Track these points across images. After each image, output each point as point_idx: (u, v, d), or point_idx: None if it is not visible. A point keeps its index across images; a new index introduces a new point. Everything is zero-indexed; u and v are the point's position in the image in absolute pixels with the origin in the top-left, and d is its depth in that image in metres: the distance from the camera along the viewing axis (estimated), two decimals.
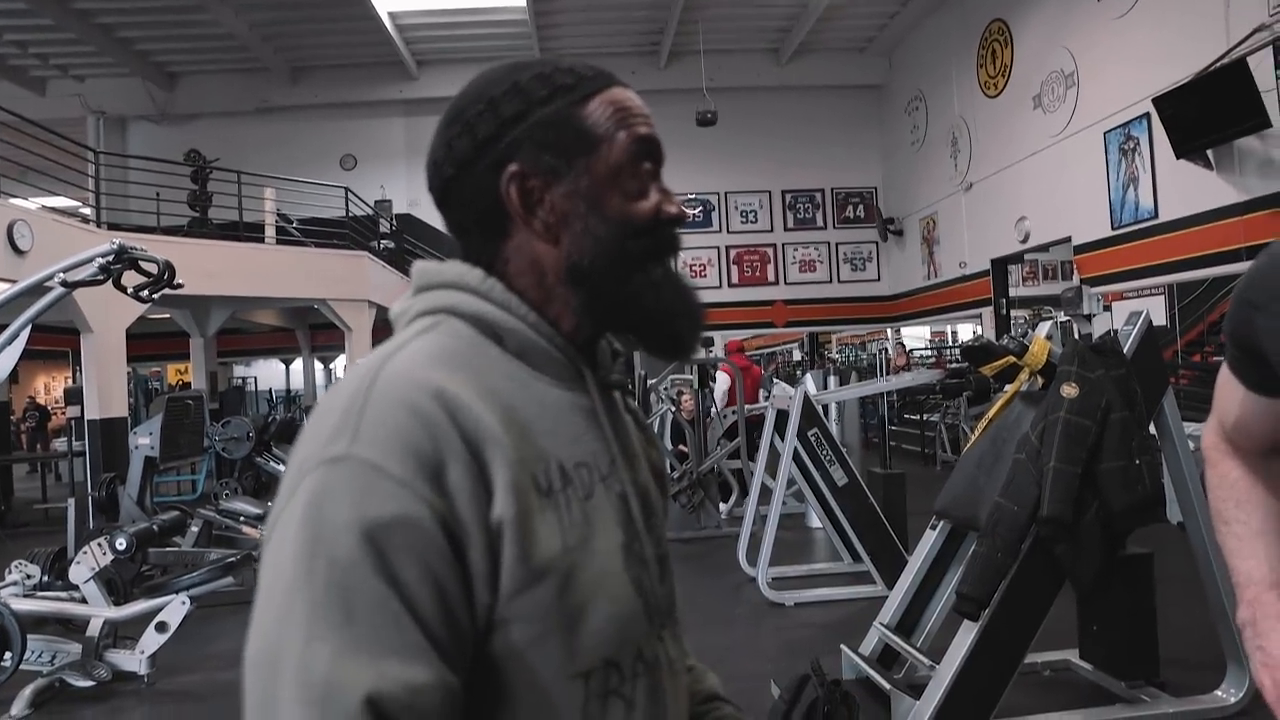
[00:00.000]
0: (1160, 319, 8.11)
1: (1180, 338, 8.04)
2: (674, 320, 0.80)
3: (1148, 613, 3.64)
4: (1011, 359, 3.40)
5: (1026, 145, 10.05)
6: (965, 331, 13.94)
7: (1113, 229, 8.45)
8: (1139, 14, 7.95)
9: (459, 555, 0.64)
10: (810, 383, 6.00)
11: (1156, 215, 7.83)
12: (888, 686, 3.40)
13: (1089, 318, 8.79)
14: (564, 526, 0.70)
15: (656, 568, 0.80)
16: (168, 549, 5.69)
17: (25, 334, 4.68)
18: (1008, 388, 3.53)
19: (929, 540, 3.72)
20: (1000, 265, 11.17)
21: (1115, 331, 3.40)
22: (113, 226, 9.58)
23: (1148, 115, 7.66)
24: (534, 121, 0.77)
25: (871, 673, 3.61)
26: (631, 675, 0.73)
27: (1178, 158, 7.13)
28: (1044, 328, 3.58)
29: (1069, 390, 3.01)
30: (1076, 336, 3.73)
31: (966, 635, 3.01)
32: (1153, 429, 3.33)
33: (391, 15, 11.96)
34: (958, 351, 13.20)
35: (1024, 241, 10.25)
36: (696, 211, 14.43)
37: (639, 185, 0.78)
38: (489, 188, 0.77)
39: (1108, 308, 8.69)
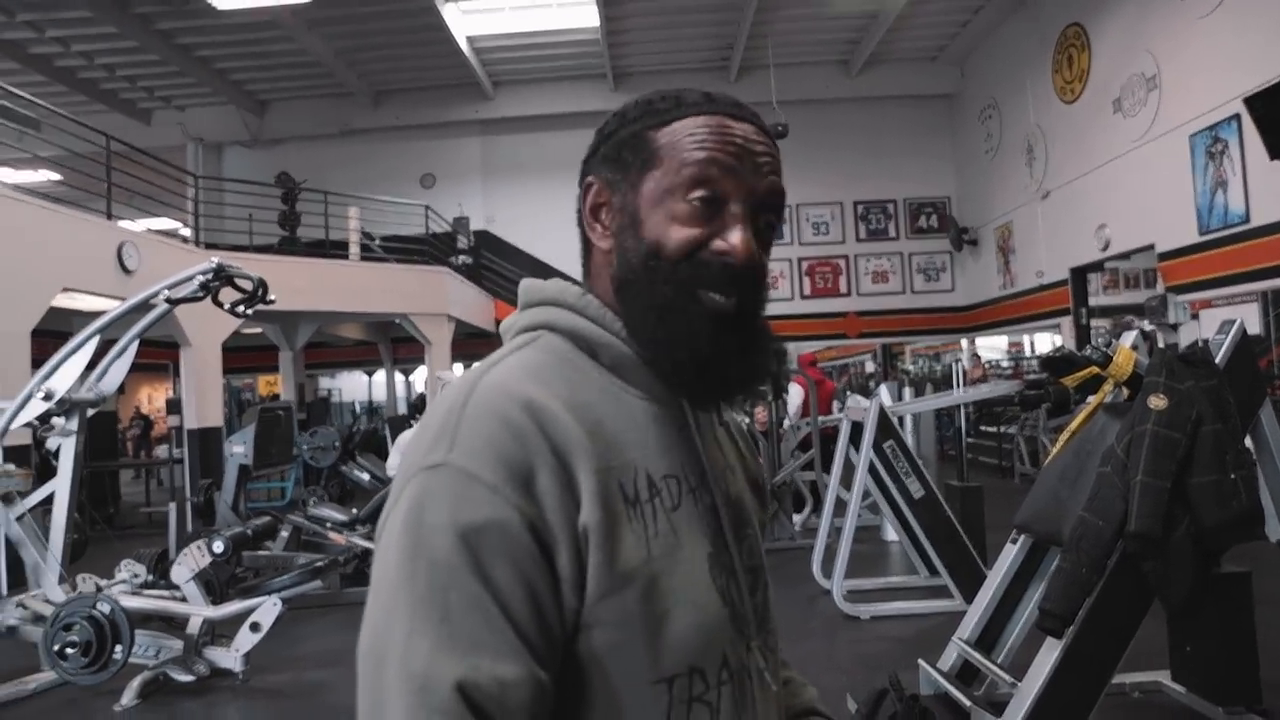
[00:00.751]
0: (1254, 327, 7.83)
1: (1276, 346, 7.73)
2: (674, 354, 0.75)
3: (1245, 634, 3.43)
4: (1095, 370, 3.28)
5: (1106, 151, 9.82)
6: (1042, 342, 13.58)
7: (1200, 234, 8.20)
8: (1224, 12, 7.73)
9: (547, 558, 0.67)
10: (885, 394, 5.95)
11: (1248, 219, 7.57)
12: (968, 703, 3.31)
13: (1175, 326, 8.54)
14: (649, 535, 0.71)
15: (747, 578, 0.80)
16: (260, 553, 5.94)
17: (134, 348, 4.93)
18: (1090, 399, 3.41)
19: (1009, 554, 3.60)
20: (1079, 274, 10.90)
21: (1206, 341, 3.25)
22: (210, 246, 10.09)
23: (1237, 116, 7.43)
24: (614, 139, 0.80)
25: (951, 689, 3.51)
26: (717, 683, 0.73)
27: (1272, 159, 6.89)
28: (1129, 337, 3.44)
29: (1157, 402, 2.90)
30: (1162, 346, 3.61)
31: (1050, 653, 2.92)
32: (1249, 442, 3.18)
33: (469, 39, 12.32)
34: (1035, 362, 12.91)
35: (1104, 249, 10.00)
36: None
37: (686, 211, 0.75)
38: (580, 200, 0.82)
39: (1195, 316, 8.42)
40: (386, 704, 0.63)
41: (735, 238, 0.75)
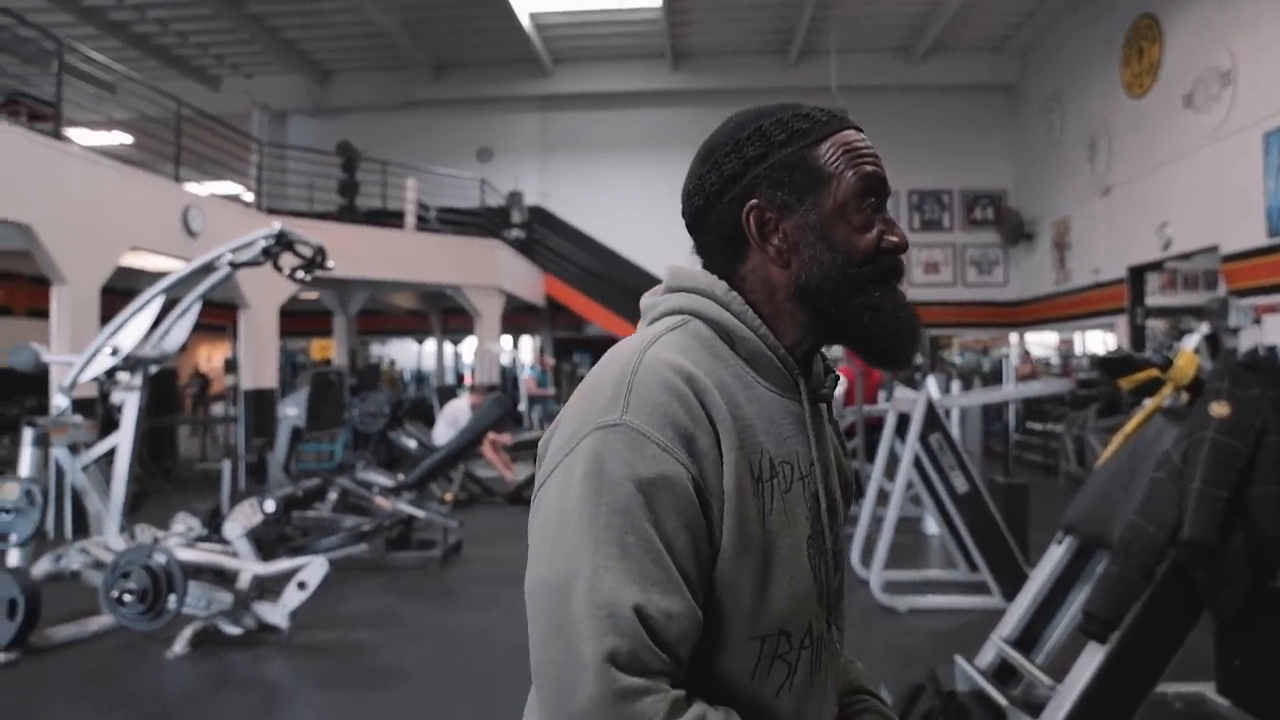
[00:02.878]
0: None
1: None
2: (884, 339, 0.89)
3: None
4: (1155, 372, 3.20)
5: (1173, 147, 9.55)
6: (1094, 340, 13.30)
7: (1269, 237, 7.96)
8: None
9: (705, 510, 0.79)
10: (933, 386, 5.88)
11: None
12: (1004, 703, 3.25)
13: (1235, 331, 8.31)
14: (766, 511, 0.82)
15: (833, 560, 0.90)
16: (308, 513, 6.07)
17: (197, 308, 5.05)
18: (1147, 402, 3.32)
19: (1054, 554, 3.52)
20: (1138, 273, 10.64)
21: (1273, 348, 3.10)
22: (271, 211, 10.30)
23: None
24: (772, 162, 0.88)
25: (988, 687, 3.43)
26: (799, 646, 0.85)
27: None
28: (1191, 340, 3.35)
29: (1220, 409, 2.82)
30: (1221, 350, 3.52)
31: (1092, 657, 2.86)
32: None
33: (531, 15, 12.34)
34: (1085, 361, 12.66)
35: (1165, 249, 9.74)
36: None
37: (863, 219, 0.88)
38: (732, 217, 0.89)
39: (1257, 321, 8.19)
40: (575, 626, 0.74)
41: (899, 232, 0.90)
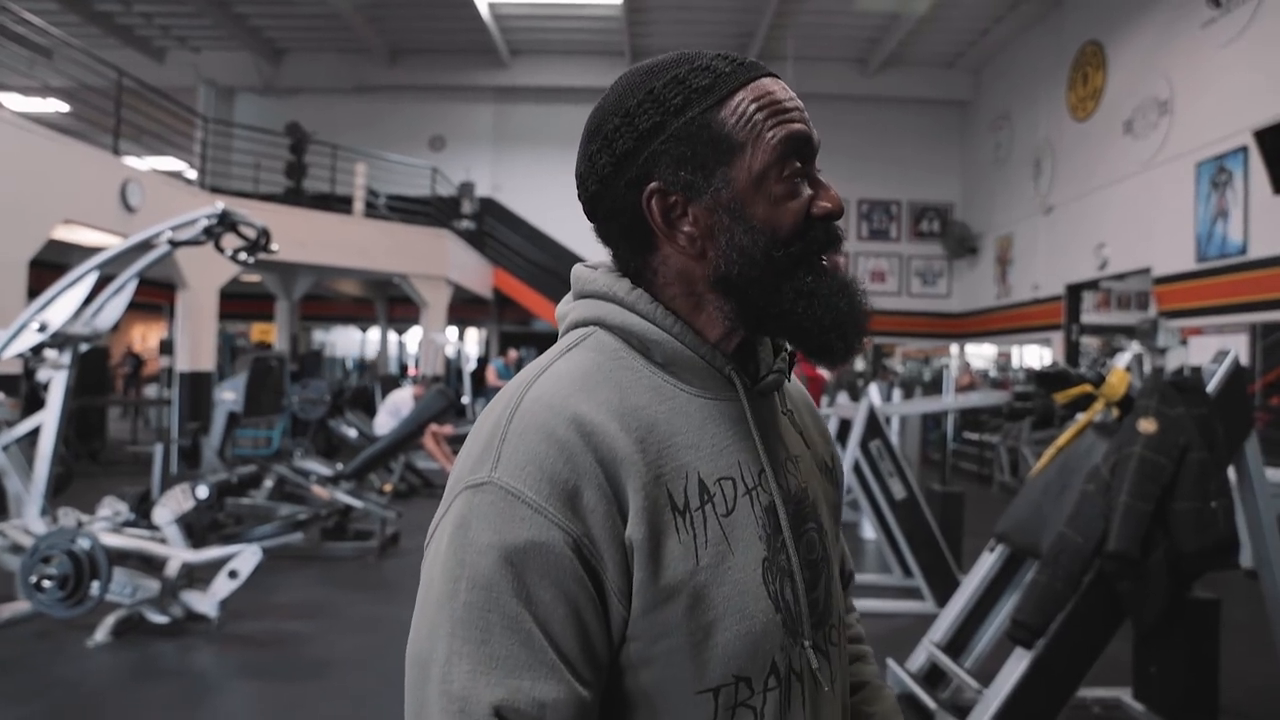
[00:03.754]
0: (1242, 358, 7.89)
1: (1261, 377, 7.81)
2: (822, 332, 0.75)
3: (1209, 660, 3.48)
4: (1088, 388, 3.29)
5: (1112, 171, 9.86)
6: (1031, 355, 13.69)
7: (1196, 262, 8.26)
8: (1244, 43, 7.75)
9: (593, 575, 0.67)
10: (875, 394, 5.98)
11: (1245, 251, 7.63)
12: (933, 705, 3.35)
13: (1162, 351, 8.61)
14: (697, 545, 0.70)
15: (806, 575, 0.77)
16: (243, 501, 5.95)
17: (133, 286, 4.88)
18: (1080, 416, 3.42)
19: (986, 562, 3.63)
20: (1075, 291, 10.97)
21: (1197, 368, 3.26)
22: (214, 190, 10.04)
23: (1245, 148, 7.47)
24: (670, 134, 0.74)
25: (917, 690, 3.54)
26: (763, 689, 0.72)
27: (1276, 193, 6.95)
28: (1123, 359, 3.45)
29: (1147, 426, 2.91)
30: (1149, 369, 3.62)
31: (1018, 663, 2.96)
32: (1231, 472, 3.19)
33: (490, 4, 12.24)
34: (1021, 374, 13.00)
35: (1102, 268, 10.06)
36: None
37: (786, 188, 0.74)
38: (631, 204, 0.76)
39: (1184, 342, 8.50)
40: (429, 715, 0.66)
41: (832, 195, 0.76)
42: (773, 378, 0.80)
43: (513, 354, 12.70)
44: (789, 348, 0.84)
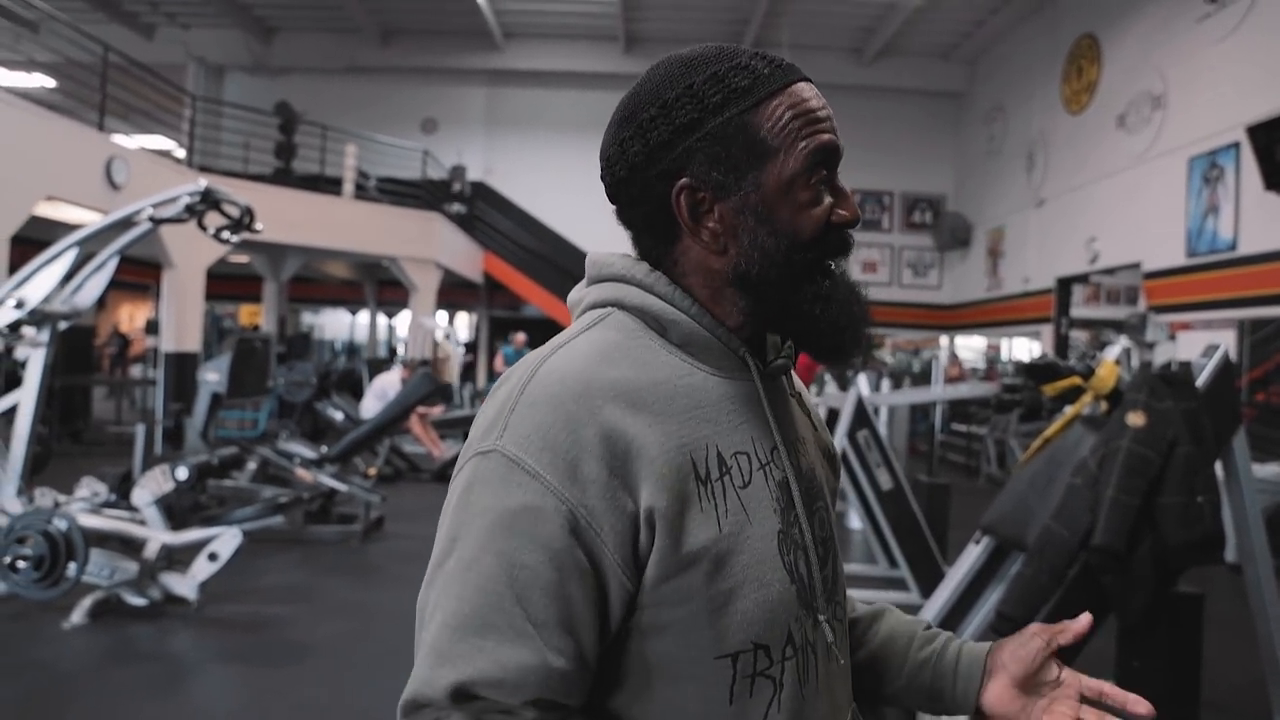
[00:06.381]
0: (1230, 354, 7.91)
1: (1247, 373, 7.84)
2: (834, 333, 0.79)
3: (1192, 655, 3.50)
4: (1077, 380, 3.30)
5: (1104, 165, 9.85)
6: (1020, 347, 13.74)
7: (1186, 257, 8.26)
8: (1238, 38, 7.74)
9: (586, 544, 0.69)
10: (864, 384, 5.98)
11: (1235, 247, 7.64)
12: None
13: (1151, 345, 8.64)
14: (718, 514, 0.72)
15: (818, 551, 0.79)
16: (225, 482, 5.92)
17: (113, 264, 4.82)
18: (1068, 409, 3.42)
19: (971, 554, 3.60)
20: (1065, 284, 10.98)
21: (1187, 363, 3.24)
22: (203, 169, 9.95)
23: (1237, 144, 7.47)
24: (707, 131, 0.75)
25: None
26: (781, 658, 0.74)
27: (1267, 189, 6.94)
28: (1113, 352, 3.45)
29: (1136, 420, 2.91)
30: (1138, 363, 3.61)
31: None
32: (1218, 467, 3.21)
33: None
34: (1010, 366, 13.03)
35: (1092, 262, 10.06)
36: None
37: (811, 195, 0.77)
38: (660, 194, 0.77)
39: (1172, 337, 8.52)
40: (417, 663, 0.71)
41: (850, 204, 0.79)
42: (782, 361, 0.83)
43: (519, 337, 12.34)
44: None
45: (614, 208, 0.83)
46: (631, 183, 0.79)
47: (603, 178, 0.82)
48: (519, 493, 0.69)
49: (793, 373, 0.90)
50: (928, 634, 0.93)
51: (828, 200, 0.78)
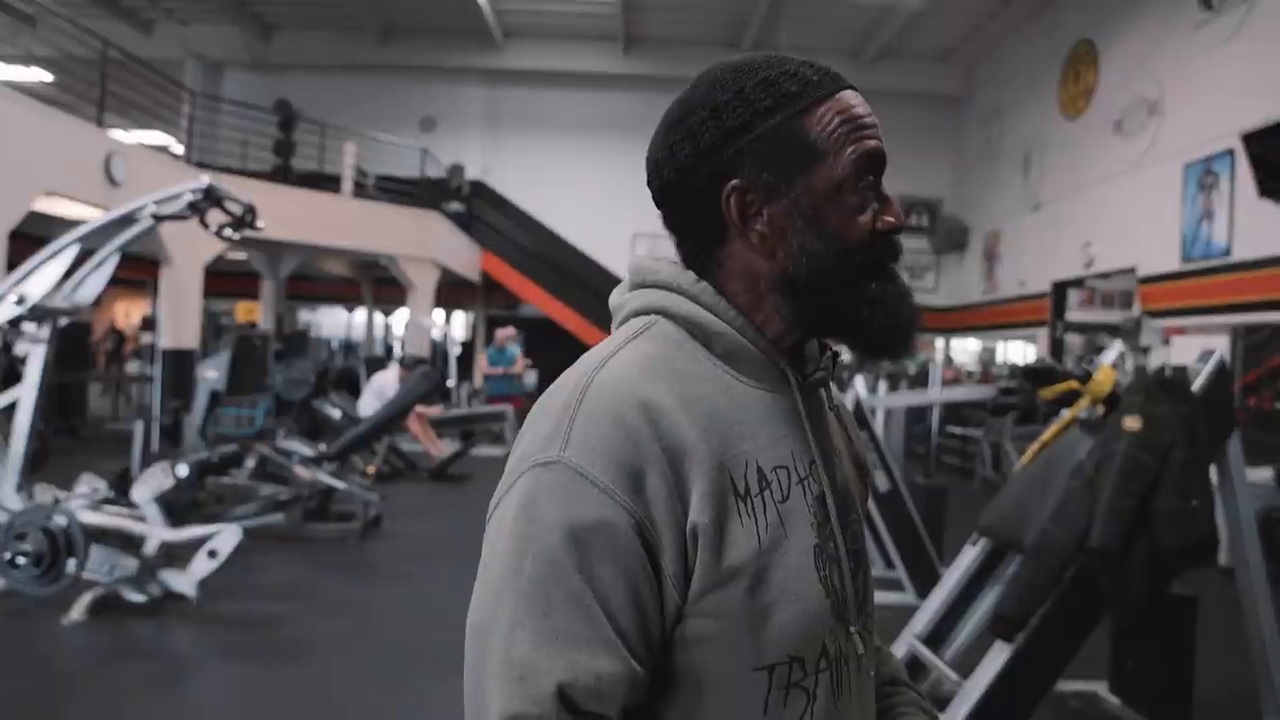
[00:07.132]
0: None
1: (1240, 378, 7.88)
2: (883, 334, 0.80)
3: (1186, 656, 3.53)
4: (1074, 384, 3.32)
5: (1100, 170, 9.89)
6: (1015, 350, 13.78)
7: (1181, 263, 8.31)
8: (1236, 45, 7.78)
9: (652, 557, 0.70)
10: (861, 386, 6.00)
11: (1229, 253, 7.68)
12: None
13: (1145, 350, 8.67)
14: (758, 529, 0.73)
15: (850, 564, 0.80)
16: (224, 480, 5.93)
17: (114, 260, 4.82)
18: (1065, 412, 3.44)
19: (968, 555, 3.62)
20: (1061, 288, 11.03)
21: (1183, 368, 3.28)
22: (201, 165, 9.91)
23: (1232, 151, 7.51)
24: (758, 134, 0.77)
25: None
26: (815, 670, 0.75)
27: (1261, 196, 6.99)
28: (1110, 356, 3.46)
29: (1132, 424, 2.93)
30: (1132, 367, 3.63)
31: (998, 655, 2.97)
32: (1213, 471, 3.23)
33: None
34: (1005, 369, 13.06)
35: (1087, 266, 10.11)
36: None
37: (859, 200, 0.77)
38: (709, 196, 0.78)
39: (1166, 341, 8.56)
40: (488, 687, 0.69)
41: (896, 210, 0.80)
42: (821, 374, 0.83)
43: (500, 333, 11.09)
44: (834, 348, 0.87)
45: (660, 212, 0.83)
46: (680, 186, 0.80)
47: (649, 182, 0.83)
48: (591, 506, 0.69)
49: (831, 384, 0.90)
50: (884, 689, 0.95)
51: (873, 206, 0.79)
